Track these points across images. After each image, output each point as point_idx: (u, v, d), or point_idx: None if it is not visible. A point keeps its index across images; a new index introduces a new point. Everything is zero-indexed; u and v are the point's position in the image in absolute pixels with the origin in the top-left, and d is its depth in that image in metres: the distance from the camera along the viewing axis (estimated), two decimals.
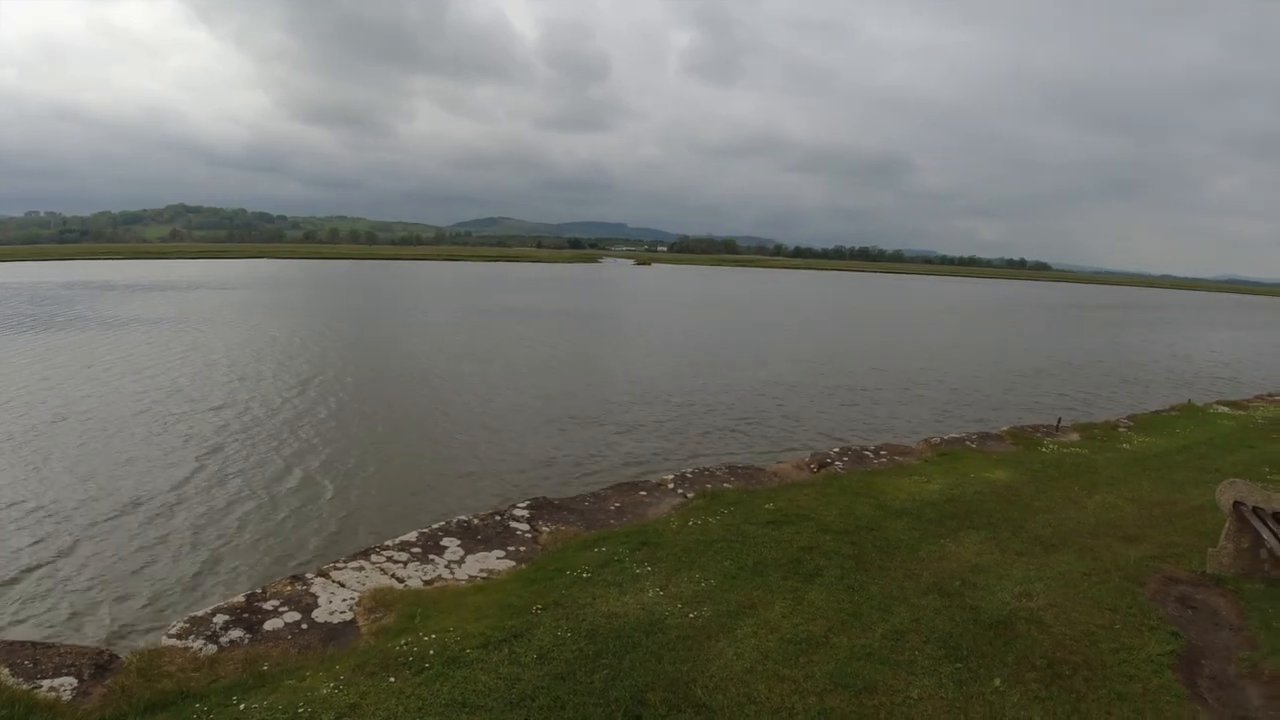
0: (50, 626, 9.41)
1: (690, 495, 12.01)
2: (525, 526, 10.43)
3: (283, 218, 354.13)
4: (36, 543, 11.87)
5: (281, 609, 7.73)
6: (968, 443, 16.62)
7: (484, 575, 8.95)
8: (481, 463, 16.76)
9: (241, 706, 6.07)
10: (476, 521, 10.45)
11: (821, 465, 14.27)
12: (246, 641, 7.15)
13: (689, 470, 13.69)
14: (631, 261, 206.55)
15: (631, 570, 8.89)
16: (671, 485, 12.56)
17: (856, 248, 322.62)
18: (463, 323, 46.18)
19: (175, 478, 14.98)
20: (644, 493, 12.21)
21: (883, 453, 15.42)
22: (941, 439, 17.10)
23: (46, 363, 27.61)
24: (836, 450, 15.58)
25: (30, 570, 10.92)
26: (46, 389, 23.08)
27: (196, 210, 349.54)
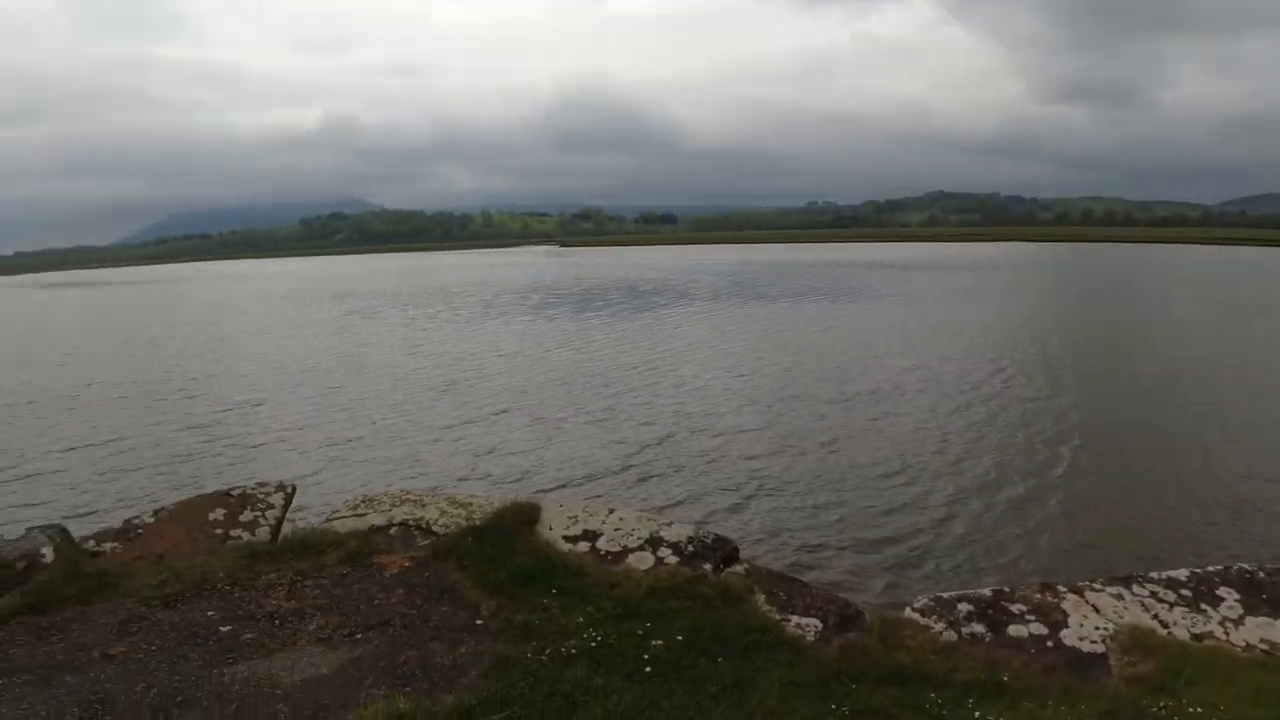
0: (799, 565, 10.46)
1: None
2: None
3: (1034, 200, 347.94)
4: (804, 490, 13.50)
5: (1028, 616, 7.05)
6: None
7: (1264, 648, 6.95)
8: (1263, 496, 13.61)
9: (976, 714, 5.63)
10: (1263, 575, 8.25)
11: None
12: (987, 640, 6.67)
13: None
14: None
15: None
16: None
17: None
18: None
19: (927, 450, 15.60)
20: None
21: None
22: None
23: (845, 331, 31.76)
24: None
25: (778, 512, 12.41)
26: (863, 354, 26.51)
27: (952, 196, 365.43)
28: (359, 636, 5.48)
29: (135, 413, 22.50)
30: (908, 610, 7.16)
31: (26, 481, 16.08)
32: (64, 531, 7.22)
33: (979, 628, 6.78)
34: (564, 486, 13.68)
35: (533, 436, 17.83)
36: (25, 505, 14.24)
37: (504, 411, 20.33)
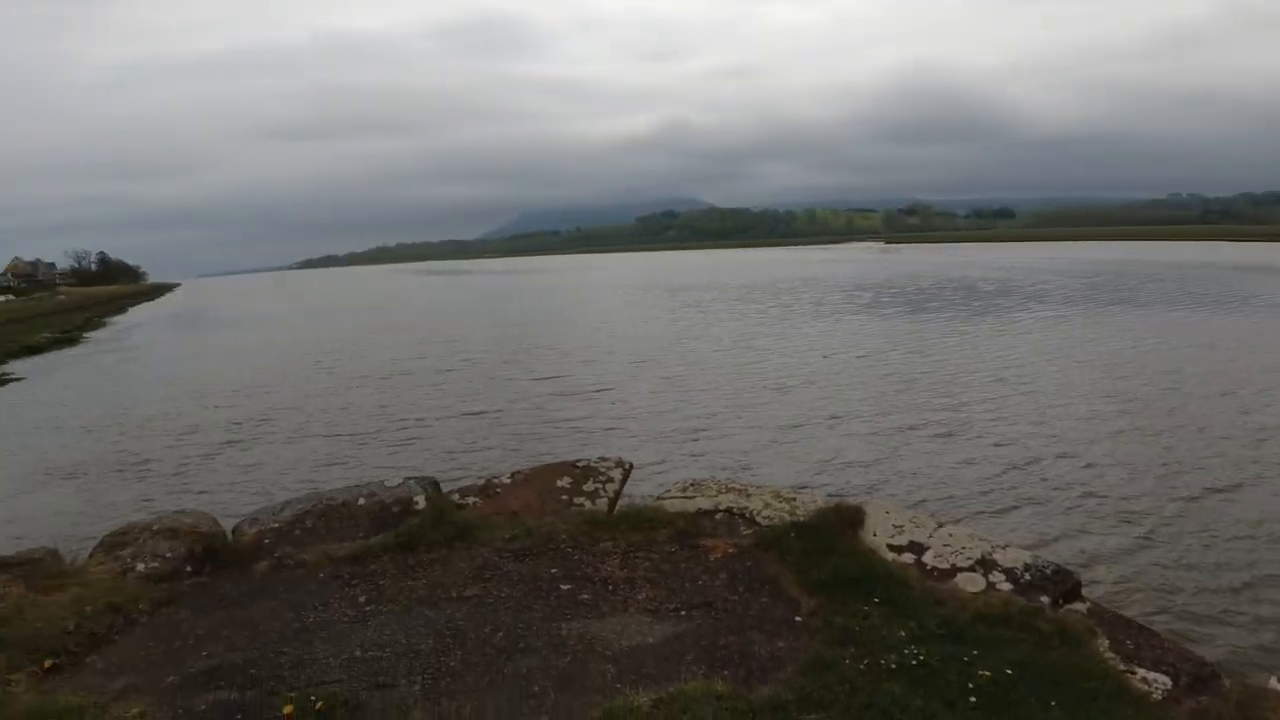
0: (1150, 614, 9.20)
1: None
2: None
3: None
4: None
5: None
6: None
7: None
8: None
9: None
10: None
11: None
12: None
13: None
14: None
15: None
16: None
17: None
18: None
19: None
20: None
21: None
22: None
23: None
24: None
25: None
26: None
27: None
28: (683, 614, 5.70)
29: (499, 388, 25.08)
30: (1272, 680, 6.13)
31: (406, 441, 18.66)
32: (435, 483, 8.28)
33: None
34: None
35: (872, 448, 16.66)
36: (403, 463, 16.51)
37: (838, 416, 19.45)
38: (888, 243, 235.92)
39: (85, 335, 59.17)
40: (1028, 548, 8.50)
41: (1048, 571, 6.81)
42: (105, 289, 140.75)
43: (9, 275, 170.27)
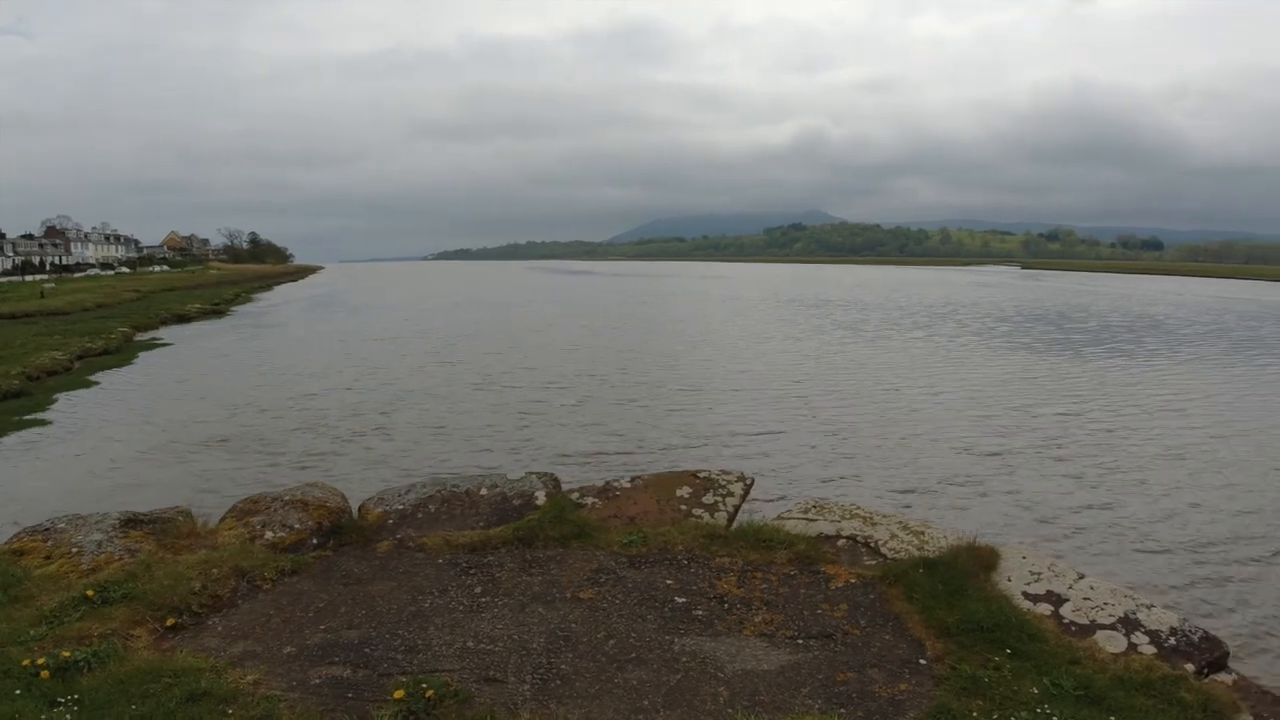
0: None
1: None
2: None
3: None
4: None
5: None
6: None
7: None
8: None
9: None
10: None
11: None
12: None
13: None
14: None
15: None
16: None
17: None
18: None
19: None
20: None
21: None
22: None
23: None
24: None
25: None
26: None
27: None
28: (800, 642, 5.47)
29: (627, 417, 20.59)
30: None
31: (529, 439, 17.83)
32: (555, 480, 8.30)
33: None
34: None
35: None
36: (519, 456, 16.14)
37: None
38: (1024, 267, 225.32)
39: (232, 309, 62.90)
40: (1174, 608, 7.69)
41: (1195, 637, 6.31)
42: (255, 267, 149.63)
43: (165, 247, 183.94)
